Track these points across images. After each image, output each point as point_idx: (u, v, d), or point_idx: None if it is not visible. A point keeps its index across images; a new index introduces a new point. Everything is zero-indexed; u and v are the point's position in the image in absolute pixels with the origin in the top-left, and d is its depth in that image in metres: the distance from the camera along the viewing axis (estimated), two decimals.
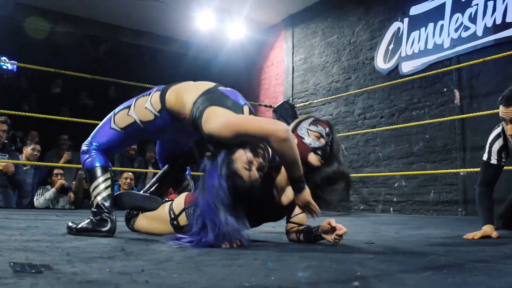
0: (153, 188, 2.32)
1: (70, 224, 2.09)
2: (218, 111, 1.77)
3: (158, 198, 2.15)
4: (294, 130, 2.02)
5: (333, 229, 1.84)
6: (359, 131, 6.10)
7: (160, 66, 8.61)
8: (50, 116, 4.80)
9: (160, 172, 2.40)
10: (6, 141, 5.05)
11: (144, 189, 2.34)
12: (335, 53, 6.85)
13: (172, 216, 2.00)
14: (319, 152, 1.95)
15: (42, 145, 5.88)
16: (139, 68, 8.45)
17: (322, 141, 1.98)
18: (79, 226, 2.02)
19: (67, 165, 5.38)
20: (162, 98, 1.97)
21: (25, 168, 5.31)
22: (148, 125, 2.02)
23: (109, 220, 1.97)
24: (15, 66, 8.15)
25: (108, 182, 2.03)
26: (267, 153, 1.81)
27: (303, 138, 1.98)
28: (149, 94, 2.05)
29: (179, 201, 2.02)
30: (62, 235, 1.99)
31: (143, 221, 2.13)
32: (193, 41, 8.45)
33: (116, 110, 2.12)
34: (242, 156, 1.71)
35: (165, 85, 2.05)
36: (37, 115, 4.79)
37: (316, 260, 1.34)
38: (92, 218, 2.00)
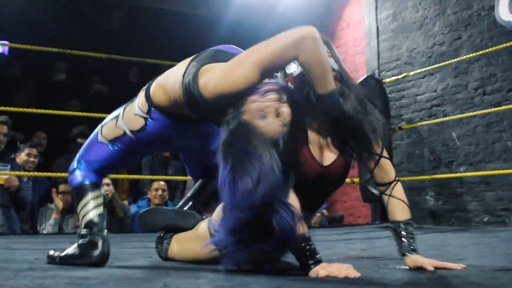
0: (190, 203, 2.43)
1: (51, 252, 2.28)
2: (217, 66, 1.94)
3: (194, 213, 2.25)
4: None
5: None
6: (476, 112, 5.95)
7: (192, 37, 8.73)
8: (59, 112, 4.86)
9: (196, 184, 2.54)
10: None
11: (178, 206, 2.48)
12: (437, 4, 6.71)
13: (213, 231, 2.05)
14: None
15: (50, 151, 6.03)
16: (165, 40, 8.59)
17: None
18: (64, 253, 2.21)
19: None
20: (147, 95, 2.19)
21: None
22: (140, 135, 2.21)
23: (99, 241, 2.12)
24: (6, 48, 8.22)
25: (99, 200, 2.23)
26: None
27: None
28: (137, 98, 2.27)
29: (218, 210, 2.08)
30: (83, 269, 2.08)
31: (176, 245, 2.24)
32: (235, 1, 8.49)
33: (104, 121, 2.37)
34: (251, 104, 1.78)
35: (149, 81, 2.27)
36: (39, 110, 4.89)
37: None
38: (79, 241, 2.18)
